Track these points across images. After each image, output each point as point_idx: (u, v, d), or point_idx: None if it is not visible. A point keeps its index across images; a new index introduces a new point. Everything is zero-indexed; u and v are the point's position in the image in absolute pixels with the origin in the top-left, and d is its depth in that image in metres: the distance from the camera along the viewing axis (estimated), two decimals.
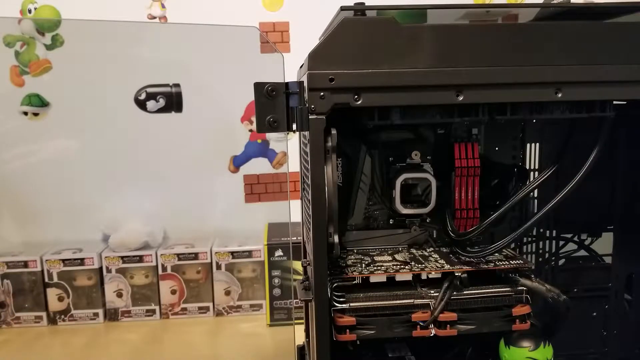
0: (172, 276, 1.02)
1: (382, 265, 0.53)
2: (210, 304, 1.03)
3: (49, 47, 1.05)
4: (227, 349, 0.91)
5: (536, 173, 0.62)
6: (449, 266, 0.52)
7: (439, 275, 0.51)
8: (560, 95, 0.44)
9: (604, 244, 0.65)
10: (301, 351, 0.69)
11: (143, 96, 1.07)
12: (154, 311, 1.03)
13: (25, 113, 1.06)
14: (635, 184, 0.62)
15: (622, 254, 0.64)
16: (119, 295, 1.02)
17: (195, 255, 1.02)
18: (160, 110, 1.08)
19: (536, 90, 0.44)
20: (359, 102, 0.43)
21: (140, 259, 1.02)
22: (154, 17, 1.06)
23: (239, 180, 1.13)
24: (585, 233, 0.65)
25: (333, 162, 0.45)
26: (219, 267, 1.02)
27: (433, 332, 0.50)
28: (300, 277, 0.60)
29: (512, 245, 0.61)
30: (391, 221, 0.60)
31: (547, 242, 0.65)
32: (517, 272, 0.52)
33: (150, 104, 1.07)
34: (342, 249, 0.58)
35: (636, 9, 0.48)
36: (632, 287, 0.64)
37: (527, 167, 0.62)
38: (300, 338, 0.70)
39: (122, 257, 1.01)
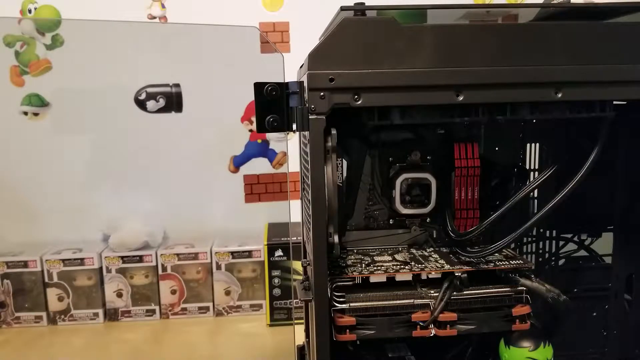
0: (172, 276, 1.02)
1: (382, 265, 0.53)
2: (210, 304, 1.03)
3: (49, 47, 1.05)
4: (227, 349, 0.91)
5: (536, 173, 0.62)
6: (449, 266, 0.52)
7: (439, 275, 0.51)
8: (560, 95, 0.44)
9: (604, 244, 0.65)
10: (301, 351, 0.69)
11: (143, 96, 1.07)
12: (154, 311, 1.03)
13: (25, 113, 1.06)
14: (635, 184, 0.62)
15: (622, 254, 0.64)
16: (119, 295, 1.02)
17: (195, 255, 1.02)
18: (160, 110, 1.08)
19: (536, 90, 0.44)
20: (359, 102, 0.43)
21: (140, 259, 1.02)
22: (154, 17, 1.06)
23: (239, 180, 1.13)
24: (585, 233, 0.65)
25: (333, 162, 0.45)
26: (219, 267, 1.02)
27: (433, 332, 0.50)
28: (300, 277, 0.60)
29: (512, 245, 0.61)
30: (391, 221, 0.60)
31: (547, 242, 0.65)
32: (517, 272, 0.52)
33: (150, 104, 1.07)
34: (342, 249, 0.58)
35: (636, 9, 0.48)
36: (632, 287, 0.64)
37: (527, 167, 0.62)
38: (300, 338, 0.70)
39: (122, 257, 1.01)
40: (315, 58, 0.43)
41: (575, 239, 0.65)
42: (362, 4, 0.44)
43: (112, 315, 1.03)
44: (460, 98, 0.44)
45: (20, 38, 1.04)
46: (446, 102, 0.44)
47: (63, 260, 1.00)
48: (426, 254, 0.57)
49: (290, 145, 1.08)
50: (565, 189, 0.47)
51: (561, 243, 0.65)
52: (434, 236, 0.60)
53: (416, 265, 0.53)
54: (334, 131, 0.45)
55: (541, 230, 0.65)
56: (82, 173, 1.08)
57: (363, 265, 0.53)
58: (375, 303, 0.50)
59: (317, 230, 0.44)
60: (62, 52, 1.05)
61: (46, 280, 1.00)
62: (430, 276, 0.52)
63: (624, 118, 0.51)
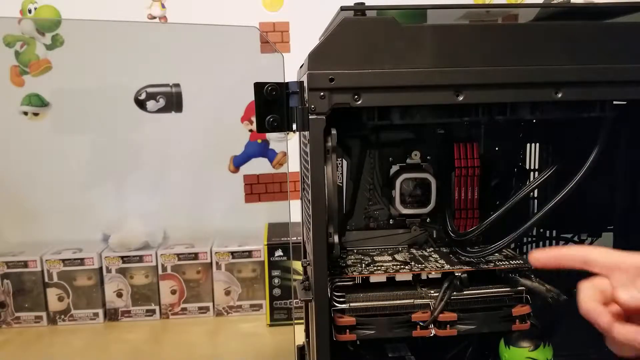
0: (172, 276, 1.02)
1: (382, 265, 0.53)
2: (210, 304, 1.03)
3: (49, 47, 1.05)
4: (227, 349, 0.91)
5: (536, 173, 0.62)
6: (449, 266, 0.52)
7: (439, 275, 0.51)
8: (560, 95, 0.44)
9: (604, 244, 0.65)
10: (301, 351, 0.69)
11: (143, 96, 1.07)
12: (154, 311, 1.03)
13: (25, 113, 1.06)
14: (635, 184, 0.62)
15: None
16: (119, 295, 1.02)
17: (195, 255, 1.02)
18: (160, 110, 1.08)
19: (536, 90, 0.44)
20: (359, 102, 0.43)
21: (140, 259, 1.02)
22: (154, 17, 1.06)
23: (239, 180, 1.13)
24: (585, 233, 0.65)
25: (333, 162, 0.45)
26: (219, 267, 1.02)
27: (433, 332, 0.50)
28: (300, 277, 0.60)
29: (512, 245, 0.61)
30: (391, 221, 0.60)
31: (547, 242, 0.65)
32: (517, 272, 0.52)
33: (150, 104, 1.07)
34: (342, 249, 0.58)
35: (636, 9, 0.48)
36: None
37: (527, 167, 0.62)
38: (300, 338, 0.70)
39: (122, 257, 1.01)
40: (315, 58, 0.43)
41: (575, 239, 0.65)
42: (362, 4, 0.44)
43: (112, 315, 1.03)
44: (460, 98, 0.44)
45: (20, 38, 1.04)
46: (446, 102, 0.44)
47: (63, 260, 1.00)
48: (426, 254, 0.57)
49: (290, 145, 1.08)
50: (565, 189, 0.47)
51: (561, 243, 0.65)
52: (434, 236, 0.60)
53: (416, 265, 0.53)
54: (334, 131, 0.45)
55: (541, 230, 0.65)
56: (82, 173, 1.08)
57: (363, 265, 0.53)
58: (375, 303, 0.50)
59: (317, 230, 0.44)
60: (62, 52, 1.05)
61: (46, 280, 1.00)
62: (430, 276, 0.52)
63: (624, 118, 0.51)
